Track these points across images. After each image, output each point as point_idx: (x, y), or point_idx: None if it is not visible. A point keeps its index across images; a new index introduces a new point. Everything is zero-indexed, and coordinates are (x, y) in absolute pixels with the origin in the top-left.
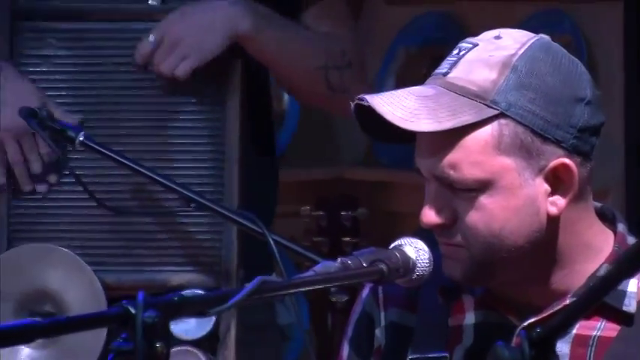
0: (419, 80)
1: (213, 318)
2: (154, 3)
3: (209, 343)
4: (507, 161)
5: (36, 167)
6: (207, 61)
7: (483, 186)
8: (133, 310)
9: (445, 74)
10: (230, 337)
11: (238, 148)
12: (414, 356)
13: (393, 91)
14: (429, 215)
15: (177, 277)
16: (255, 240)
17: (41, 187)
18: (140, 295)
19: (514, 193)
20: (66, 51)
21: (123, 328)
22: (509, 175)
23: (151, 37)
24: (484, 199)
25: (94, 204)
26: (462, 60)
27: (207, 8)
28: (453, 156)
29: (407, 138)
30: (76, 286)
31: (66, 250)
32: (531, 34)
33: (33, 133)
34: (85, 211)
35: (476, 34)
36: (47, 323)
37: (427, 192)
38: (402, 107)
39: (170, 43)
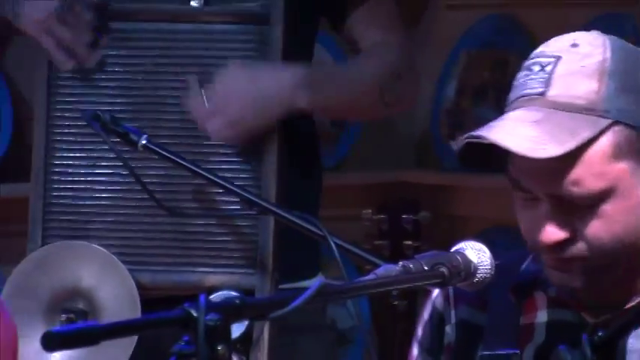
0: (480, 84)
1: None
2: (197, 5)
3: (242, 345)
4: (623, 166)
5: (86, 37)
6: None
7: (605, 195)
8: (194, 313)
9: (543, 94)
10: (263, 340)
11: (276, 152)
12: (485, 353)
13: (498, 122)
14: (551, 233)
15: (211, 278)
16: (289, 243)
17: (97, 56)
18: (202, 298)
19: (630, 194)
20: (118, 50)
21: (184, 331)
22: (625, 178)
23: (205, 97)
24: (605, 207)
25: (129, 203)
26: (554, 76)
27: (267, 76)
28: (575, 173)
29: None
30: (109, 284)
31: (100, 247)
32: (600, 34)
33: (70, 7)
34: (121, 210)
35: (537, 37)
36: (111, 325)
37: (538, 211)
38: (525, 137)
39: (222, 107)
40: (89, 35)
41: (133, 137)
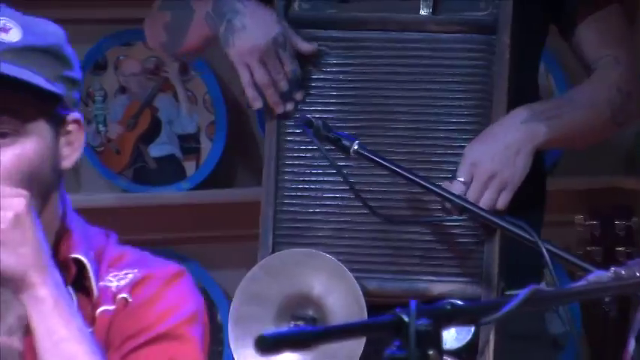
0: None
1: (473, 328)
2: (425, 14)
3: (467, 354)
4: None
5: (283, 85)
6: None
7: None
8: (406, 318)
9: None
10: (489, 349)
11: None
12: None
13: None
14: None
15: (438, 287)
16: (515, 251)
17: (289, 106)
18: (412, 303)
19: None
20: (337, 59)
21: (396, 336)
22: None
23: (461, 178)
24: None
25: (361, 211)
26: None
27: (503, 132)
28: None
29: None
30: (337, 292)
31: (329, 255)
32: None
33: (276, 52)
34: (350, 217)
35: None
36: (324, 330)
37: None
38: None
39: (483, 180)
40: (285, 85)
41: (345, 143)
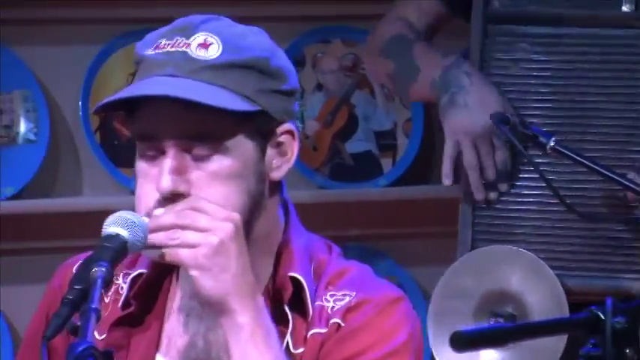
0: None
1: None
2: (628, 10)
3: None
4: None
5: (490, 174)
6: None
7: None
8: (602, 316)
9: None
10: None
11: None
12: None
13: None
14: None
15: (638, 285)
16: None
17: (492, 195)
18: (608, 301)
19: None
20: (538, 55)
21: (591, 334)
22: None
23: None
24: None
25: (561, 209)
26: None
27: None
28: None
29: None
30: (537, 289)
31: (529, 252)
32: None
33: (491, 139)
34: (550, 215)
35: None
36: (518, 327)
37: None
38: None
39: None
40: (492, 174)
41: (542, 140)
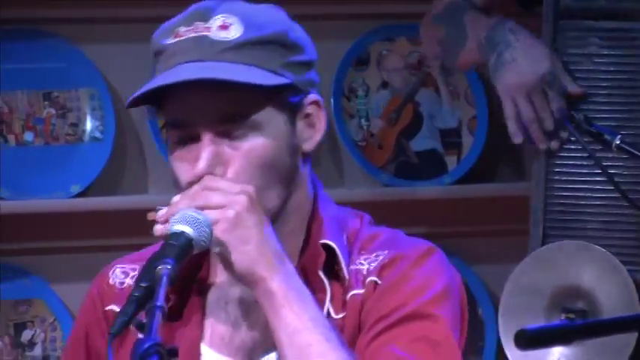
0: None
1: None
2: None
3: None
4: None
5: (548, 124)
6: None
7: None
8: None
9: None
10: None
11: None
12: None
13: None
14: None
15: None
16: None
17: (554, 144)
18: None
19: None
20: (610, 50)
21: None
22: None
23: None
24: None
25: (626, 203)
26: None
27: None
28: None
29: None
30: (609, 286)
31: (601, 248)
32: None
33: (543, 90)
34: (620, 210)
35: None
36: (584, 325)
37: None
38: None
39: None
40: (550, 124)
41: (607, 137)
